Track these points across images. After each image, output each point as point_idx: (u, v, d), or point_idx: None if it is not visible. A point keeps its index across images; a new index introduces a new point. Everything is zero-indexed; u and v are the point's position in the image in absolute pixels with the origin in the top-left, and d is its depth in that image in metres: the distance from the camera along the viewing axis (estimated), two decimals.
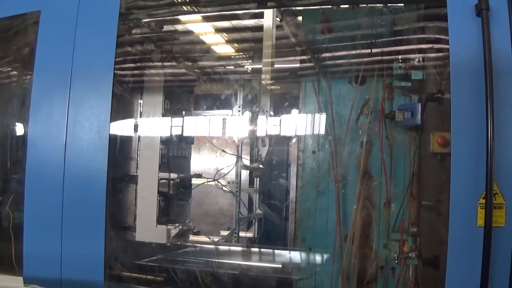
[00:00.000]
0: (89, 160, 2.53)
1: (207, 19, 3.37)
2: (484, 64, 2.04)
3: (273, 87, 3.51)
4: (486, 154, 2.00)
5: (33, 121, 2.67)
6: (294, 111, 3.47)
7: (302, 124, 3.35)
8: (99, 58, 2.59)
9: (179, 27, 3.50)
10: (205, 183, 3.40)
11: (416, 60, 2.76)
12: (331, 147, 3.18)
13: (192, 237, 3.43)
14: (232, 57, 3.80)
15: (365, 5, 2.97)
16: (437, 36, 2.68)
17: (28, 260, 2.60)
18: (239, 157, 3.32)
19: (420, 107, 2.81)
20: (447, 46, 2.21)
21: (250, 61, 3.65)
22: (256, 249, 3.62)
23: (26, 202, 2.62)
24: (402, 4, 2.96)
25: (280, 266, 3.29)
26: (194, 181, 3.43)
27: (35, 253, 2.57)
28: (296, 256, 3.34)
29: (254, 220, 3.65)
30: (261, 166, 3.55)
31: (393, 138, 3.05)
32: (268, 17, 3.26)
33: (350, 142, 3.14)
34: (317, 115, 3.26)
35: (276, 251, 3.55)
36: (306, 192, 3.30)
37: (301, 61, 3.36)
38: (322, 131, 3.24)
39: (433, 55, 2.71)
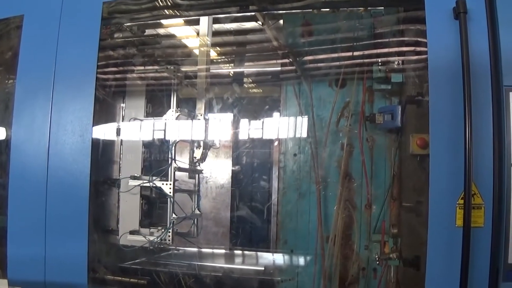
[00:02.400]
0: (72, 164, 2.52)
1: (189, 22, 3.37)
2: (462, 67, 2.08)
3: (255, 91, 3.51)
4: (464, 155, 2.04)
5: (16, 125, 2.68)
6: (275, 114, 3.47)
7: (283, 127, 3.37)
8: (81, 62, 2.60)
9: (161, 30, 3.49)
10: (140, 185, 3.39)
11: (396, 63, 2.79)
12: (312, 150, 3.19)
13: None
14: None
15: (345, 8, 2.98)
16: (416, 39, 2.72)
17: (12, 263, 2.60)
18: (173, 159, 3.33)
19: (400, 109, 2.84)
20: (425, 49, 2.25)
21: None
22: (239, 252, 3.63)
23: (10, 206, 2.63)
24: (382, 8, 2.98)
25: (263, 268, 3.31)
26: (131, 182, 3.42)
27: (19, 256, 2.57)
28: (278, 258, 3.35)
29: (194, 221, 3.66)
30: (198, 168, 3.57)
31: (373, 140, 3.08)
32: (204, 23, 3.31)
33: (330, 145, 3.16)
34: (298, 118, 3.27)
35: (259, 253, 3.57)
36: (288, 194, 3.32)
37: (282, 65, 3.36)
38: (303, 134, 3.24)
39: (413, 57, 2.75)
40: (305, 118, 3.26)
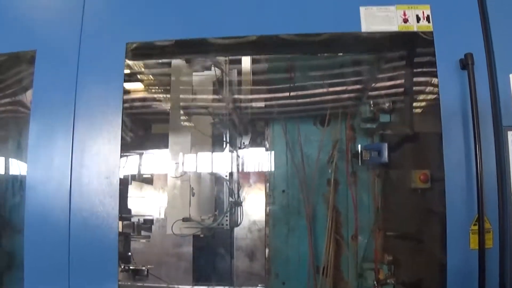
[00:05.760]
0: (99, 205, 2.50)
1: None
2: (472, 111, 2.42)
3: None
4: (477, 187, 2.36)
5: (32, 164, 2.57)
6: (262, 151, 3.65)
7: (271, 164, 3.55)
8: (105, 101, 2.57)
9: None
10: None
11: (387, 105, 3.11)
12: (301, 186, 3.40)
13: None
14: None
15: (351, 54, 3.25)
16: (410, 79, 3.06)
17: None
18: None
19: (386, 147, 3.16)
20: (419, 88, 2.58)
21: None
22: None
23: (26, 247, 2.50)
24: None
25: None
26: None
27: None
28: None
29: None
30: None
31: (357, 175, 3.36)
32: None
33: (318, 180, 3.38)
34: (285, 155, 3.47)
35: None
36: (277, 229, 3.47)
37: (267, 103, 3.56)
38: (291, 171, 3.45)
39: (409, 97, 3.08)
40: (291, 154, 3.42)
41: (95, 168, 2.53)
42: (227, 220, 3.48)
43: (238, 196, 3.57)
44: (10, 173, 3.24)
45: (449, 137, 2.46)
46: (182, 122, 3.60)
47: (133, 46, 2.64)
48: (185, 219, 3.35)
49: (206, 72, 3.60)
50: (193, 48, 2.83)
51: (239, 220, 3.62)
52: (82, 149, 2.54)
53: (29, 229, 2.53)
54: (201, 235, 3.49)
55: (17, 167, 3.17)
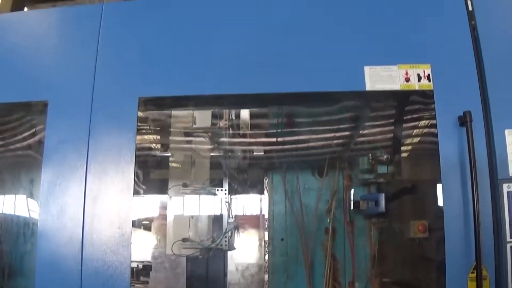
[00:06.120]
0: (111, 255, 2.54)
1: None
2: (470, 165, 2.55)
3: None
4: (475, 236, 2.48)
5: (43, 212, 2.61)
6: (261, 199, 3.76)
7: (271, 213, 3.65)
8: (118, 153, 2.64)
9: None
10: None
11: (385, 157, 3.26)
12: (300, 235, 3.50)
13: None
14: None
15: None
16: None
17: None
18: None
19: (383, 197, 3.30)
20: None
21: None
22: None
23: None
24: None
25: None
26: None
27: None
28: None
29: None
30: None
31: (354, 224, 3.48)
32: None
33: (316, 228, 3.49)
34: (284, 204, 3.58)
35: None
36: (277, 276, 3.54)
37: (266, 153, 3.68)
38: (290, 220, 3.55)
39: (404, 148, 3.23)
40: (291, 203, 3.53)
41: (107, 217, 2.58)
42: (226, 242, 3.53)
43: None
44: (21, 221, 3.24)
45: (448, 188, 2.60)
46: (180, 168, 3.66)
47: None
48: (184, 240, 3.39)
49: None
50: (202, 102, 2.91)
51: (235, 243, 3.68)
52: (94, 199, 2.59)
53: (40, 278, 2.55)
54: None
55: (28, 214, 3.18)
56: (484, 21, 2.74)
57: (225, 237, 3.49)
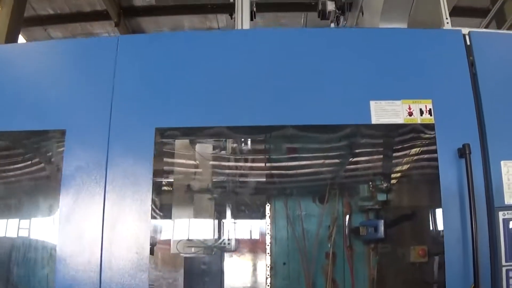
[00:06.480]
0: (129, 279, 2.62)
1: None
2: (469, 195, 2.73)
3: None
4: (473, 260, 2.64)
5: (62, 238, 2.69)
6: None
7: (273, 239, 3.79)
8: (135, 181, 2.74)
9: None
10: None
11: (384, 185, 3.43)
12: (301, 259, 3.63)
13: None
14: None
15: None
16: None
17: None
18: None
19: (382, 223, 3.46)
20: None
21: None
22: None
23: None
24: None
25: None
26: None
27: None
28: None
29: None
30: None
31: (354, 249, 3.63)
32: None
33: (317, 253, 3.63)
34: (286, 230, 3.71)
35: None
36: None
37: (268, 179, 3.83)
38: (291, 245, 3.69)
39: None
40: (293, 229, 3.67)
41: (125, 243, 2.67)
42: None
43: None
44: (40, 245, 3.30)
45: (449, 215, 2.76)
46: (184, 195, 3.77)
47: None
48: (189, 239, 3.52)
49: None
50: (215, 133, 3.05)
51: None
52: (112, 225, 2.69)
53: None
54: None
55: (48, 239, 3.24)
56: (481, 57, 2.93)
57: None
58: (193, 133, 3.06)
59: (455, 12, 3.64)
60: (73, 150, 2.84)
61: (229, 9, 4.25)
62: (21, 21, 8.19)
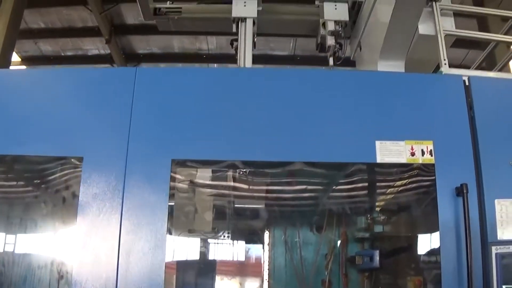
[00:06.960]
0: None
1: None
2: (465, 231, 2.91)
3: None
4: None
5: (78, 262, 2.77)
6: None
7: (270, 264, 3.92)
8: (152, 209, 2.86)
9: None
10: None
11: (382, 218, 3.61)
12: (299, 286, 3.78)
13: None
14: None
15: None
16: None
17: None
18: None
19: (378, 253, 3.64)
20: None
21: None
22: None
23: None
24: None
25: None
26: None
27: None
28: None
29: None
30: None
31: (349, 277, 3.80)
32: None
33: (313, 280, 3.78)
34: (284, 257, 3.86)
35: None
36: None
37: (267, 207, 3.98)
38: (289, 271, 3.83)
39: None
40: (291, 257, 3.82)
41: (141, 269, 2.76)
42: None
43: None
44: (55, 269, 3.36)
45: (446, 248, 2.92)
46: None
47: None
48: (190, 231, 3.65)
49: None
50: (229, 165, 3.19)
51: None
52: (128, 252, 2.78)
53: None
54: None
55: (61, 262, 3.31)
56: (479, 101, 3.13)
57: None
58: (208, 164, 3.16)
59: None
60: (90, 177, 2.93)
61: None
62: (16, 33, 8.22)
